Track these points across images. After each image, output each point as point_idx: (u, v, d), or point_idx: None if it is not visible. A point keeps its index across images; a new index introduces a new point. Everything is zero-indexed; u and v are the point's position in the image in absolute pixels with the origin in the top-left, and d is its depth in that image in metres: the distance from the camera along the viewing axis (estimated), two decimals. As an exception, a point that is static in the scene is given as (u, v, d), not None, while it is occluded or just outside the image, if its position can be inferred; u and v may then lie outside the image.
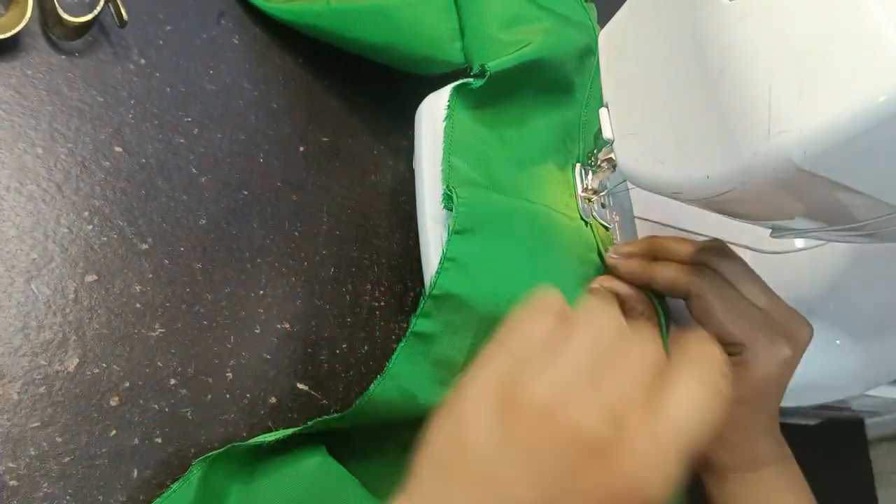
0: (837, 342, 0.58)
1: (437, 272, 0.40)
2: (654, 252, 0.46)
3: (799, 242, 0.57)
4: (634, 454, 0.28)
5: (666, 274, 0.44)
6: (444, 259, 0.40)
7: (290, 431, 0.39)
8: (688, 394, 0.30)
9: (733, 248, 0.53)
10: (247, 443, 0.39)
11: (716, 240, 0.46)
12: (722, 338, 0.42)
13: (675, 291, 0.44)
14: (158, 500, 0.37)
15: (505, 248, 0.42)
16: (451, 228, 0.41)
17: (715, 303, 0.42)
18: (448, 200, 0.42)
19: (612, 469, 0.28)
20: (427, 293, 0.40)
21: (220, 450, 0.38)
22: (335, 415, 0.40)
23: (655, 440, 0.29)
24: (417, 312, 0.40)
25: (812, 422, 0.75)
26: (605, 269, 0.47)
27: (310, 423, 0.40)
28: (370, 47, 0.51)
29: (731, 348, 0.42)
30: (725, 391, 0.30)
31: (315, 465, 0.40)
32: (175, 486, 0.37)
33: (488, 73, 0.47)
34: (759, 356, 0.42)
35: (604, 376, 0.30)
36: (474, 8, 0.51)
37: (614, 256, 0.46)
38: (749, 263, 0.44)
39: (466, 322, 0.40)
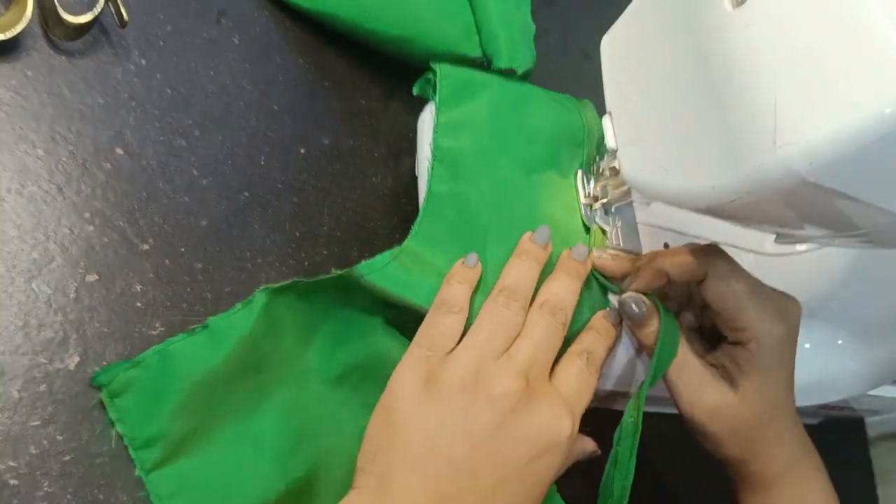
0: (839, 342, 0.57)
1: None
2: (638, 265, 0.46)
3: (801, 245, 0.57)
4: (545, 399, 0.36)
5: (679, 257, 0.43)
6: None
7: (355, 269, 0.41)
8: (574, 367, 0.40)
9: (736, 250, 0.53)
10: (310, 279, 0.41)
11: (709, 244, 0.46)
12: (733, 321, 0.42)
13: (690, 274, 0.43)
14: (220, 315, 0.39)
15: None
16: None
17: (726, 284, 0.42)
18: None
19: (532, 415, 0.36)
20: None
21: (286, 283, 0.40)
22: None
23: (556, 391, 0.38)
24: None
25: (813, 421, 0.75)
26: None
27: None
28: (387, 39, 0.51)
29: (739, 334, 0.42)
30: (595, 369, 0.41)
31: (374, 324, 0.43)
32: (238, 306, 0.40)
33: (517, 72, 0.48)
34: (764, 338, 0.42)
35: (510, 352, 0.38)
36: (499, 6, 0.52)
37: (600, 255, 0.46)
38: (752, 265, 0.44)
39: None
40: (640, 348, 0.47)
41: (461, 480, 0.34)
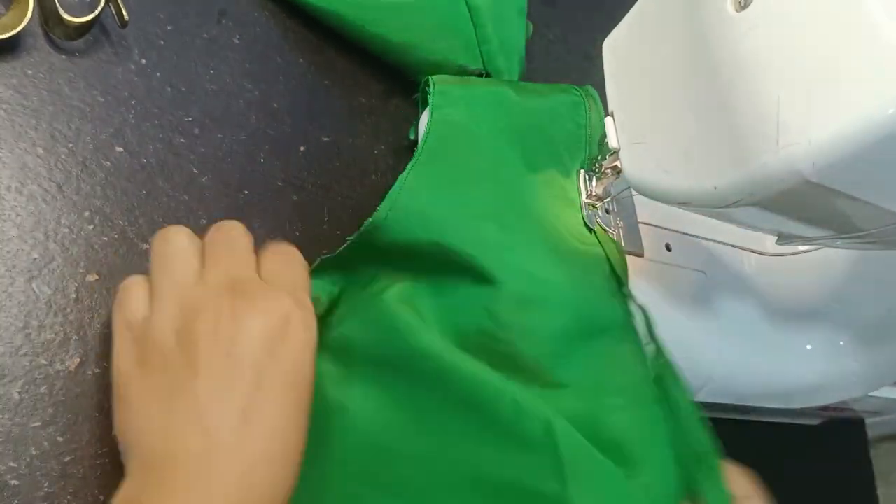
0: (841, 343, 0.57)
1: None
2: None
3: (803, 245, 0.57)
4: (257, 295, 0.34)
5: None
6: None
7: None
8: (274, 258, 0.38)
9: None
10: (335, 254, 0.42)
11: None
12: None
13: None
14: None
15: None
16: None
17: None
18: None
19: (251, 315, 0.33)
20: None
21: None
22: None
23: (267, 285, 0.36)
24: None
25: (814, 422, 0.75)
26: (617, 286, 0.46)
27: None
28: (389, 45, 0.51)
29: None
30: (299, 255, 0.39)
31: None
32: None
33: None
34: None
35: (205, 273, 0.35)
36: (508, 21, 0.53)
37: None
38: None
39: None
40: None
41: (216, 407, 0.32)
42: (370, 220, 0.42)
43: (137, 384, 0.34)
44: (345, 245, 0.43)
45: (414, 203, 0.43)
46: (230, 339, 0.33)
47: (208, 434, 0.31)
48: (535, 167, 0.48)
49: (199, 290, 0.34)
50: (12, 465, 0.35)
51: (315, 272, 0.42)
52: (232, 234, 0.38)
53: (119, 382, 0.35)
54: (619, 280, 0.46)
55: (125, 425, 0.34)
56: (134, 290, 0.36)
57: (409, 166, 0.45)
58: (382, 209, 0.42)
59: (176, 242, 0.36)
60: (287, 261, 0.38)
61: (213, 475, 0.31)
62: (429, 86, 0.48)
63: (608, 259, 0.46)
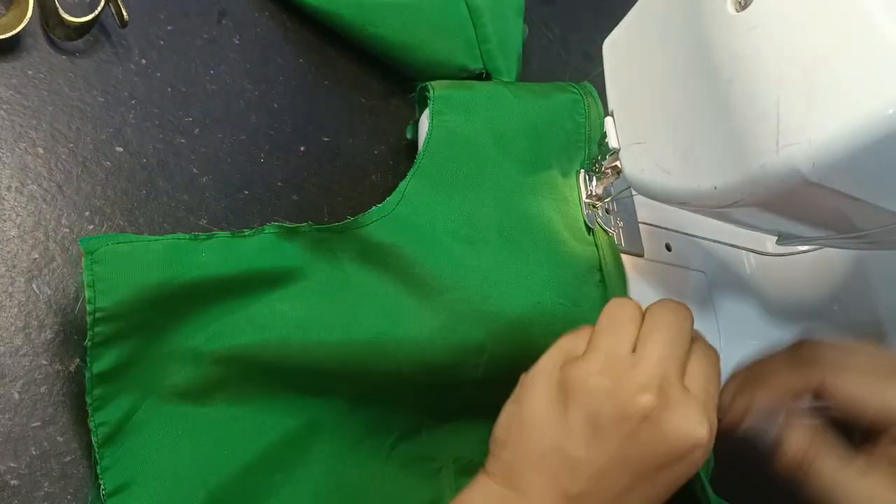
0: (841, 344, 0.57)
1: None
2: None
3: (803, 245, 0.57)
4: (678, 409, 0.34)
5: (774, 384, 0.40)
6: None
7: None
8: (701, 356, 0.37)
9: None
10: (319, 225, 0.42)
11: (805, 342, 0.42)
12: (873, 412, 0.37)
13: (792, 396, 0.40)
14: (228, 233, 0.39)
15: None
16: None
17: (856, 381, 0.38)
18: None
19: (664, 428, 0.33)
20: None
21: (297, 224, 0.41)
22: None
23: (691, 396, 0.34)
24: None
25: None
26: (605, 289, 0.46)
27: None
28: (390, 44, 0.51)
29: (882, 421, 0.37)
30: (717, 355, 0.38)
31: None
32: (248, 231, 0.40)
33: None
34: None
35: (639, 350, 0.36)
36: (507, 21, 0.53)
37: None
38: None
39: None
40: None
41: (586, 483, 0.34)
42: (358, 217, 0.42)
43: (546, 403, 0.36)
44: (319, 225, 0.42)
45: (407, 212, 0.43)
46: (632, 437, 0.34)
47: (568, 500, 0.34)
48: (534, 169, 0.48)
49: (629, 365, 0.35)
50: (12, 464, 0.35)
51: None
52: (677, 318, 0.37)
53: (530, 390, 0.36)
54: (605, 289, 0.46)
55: (509, 424, 0.36)
56: (582, 333, 0.38)
57: (409, 173, 0.45)
58: (376, 212, 0.42)
59: (628, 311, 0.37)
60: (712, 367, 0.37)
61: None
62: (428, 91, 0.48)
63: (601, 268, 0.46)
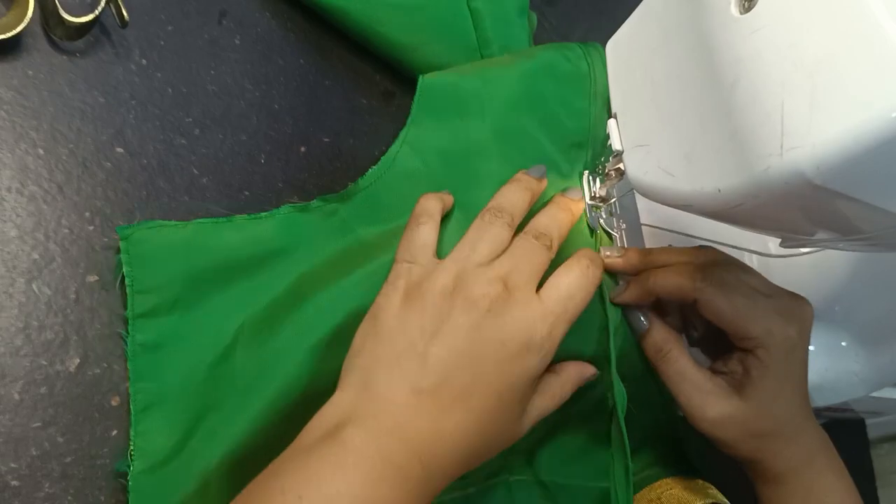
0: (843, 344, 0.57)
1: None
2: (647, 263, 0.46)
3: (806, 247, 0.57)
4: (520, 304, 0.37)
5: (669, 279, 0.44)
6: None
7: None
8: (563, 272, 0.39)
9: (740, 252, 0.53)
10: (325, 197, 0.46)
11: (707, 247, 0.46)
12: (736, 333, 0.42)
13: (680, 295, 0.44)
14: (244, 216, 0.43)
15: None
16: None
17: (719, 297, 0.42)
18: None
19: (505, 317, 0.36)
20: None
21: (307, 203, 0.45)
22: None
23: (537, 297, 0.37)
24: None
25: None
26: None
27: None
28: (391, 44, 0.51)
29: (746, 342, 0.42)
30: (594, 276, 0.40)
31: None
32: (263, 214, 0.44)
33: None
34: (772, 344, 0.42)
35: (493, 263, 0.38)
36: (509, 23, 0.53)
37: (609, 254, 0.46)
38: (756, 267, 0.44)
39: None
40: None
41: (437, 377, 0.35)
42: (358, 181, 0.46)
43: (394, 312, 0.37)
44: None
45: (406, 166, 0.46)
46: (477, 328, 0.36)
47: (417, 394, 0.35)
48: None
49: (481, 272, 0.38)
50: (13, 465, 0.35)
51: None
52: (539, 241, 0.40)
53: (381, 302, 0.38)
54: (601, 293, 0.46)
55: (363, 339, 0.38)
56: (426, 227, 0.41)
57: (404, 130, 0.47)
58: (374, 173, 0.46)
59: (498, 228, 0.40)
60: (578, 285, 0.39)
61: (406, 430, 0.34)
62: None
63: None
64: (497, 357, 0.36)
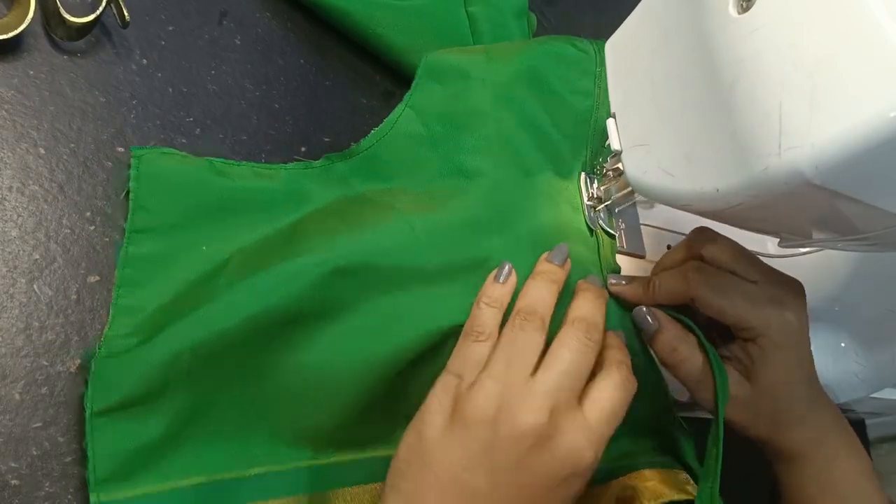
0: (842, 345, 0.57)
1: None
2: (652, 290, 0.46)
3: (805, 247, 0.57)
4: (568, 434, 0.36)
5: (663, 287, 0.44)
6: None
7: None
8: (606, 384, 0.39)
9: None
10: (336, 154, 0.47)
11: (697, 228, 0.46)
12: (737, 325, 0.43)
13: (678, 300, 0.44)
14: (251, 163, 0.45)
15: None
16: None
17: (714, 297, 0.42)
18: None
19: (553, 451, 0.36)
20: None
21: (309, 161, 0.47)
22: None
23: (584, 419, 0.37)
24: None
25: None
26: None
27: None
28: (391, 46, 0.51)
29: (746, 332, 0.43)
30: (633, 385, 0.40)
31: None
32: (273, 166, 0.46)
33: None
34: (771, 332, 0.42)
35: (537, 378, 0.37)
36: (506, 28, 0.54)
37: (614, 282, 0.46)
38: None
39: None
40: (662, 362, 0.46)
41: None
42: (361, 141, 0.47)
43: (437, 435, 0.37)
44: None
45: (407, 128, 0.47)
46: (523, 462, 0.36)
47: None
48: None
49: (526, 391, 0.37)
50: (13, 465, 0.35)
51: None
52: (588, 337, 0.39)
53: (426, 419, 0.38)
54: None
55: (408, 458, 0.37)
56: (483, 346, 0.39)
57: (406, 96, 0.48)
58: (376, 134, 0.47)
59: (530, 335, 0.39)
60: (617, 391, 0.39)
61: None
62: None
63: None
64: (544, 485, 0.36)
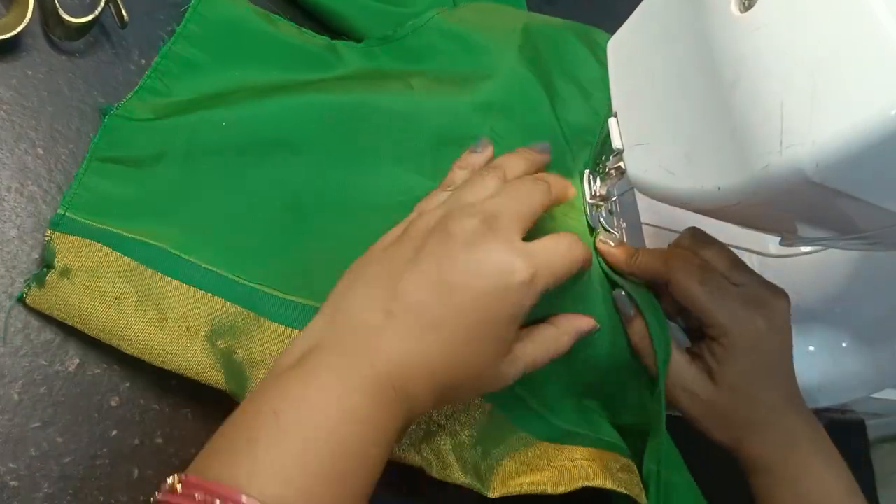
0: (843, 345, 0.57)
1: None
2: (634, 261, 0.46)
3: (805, 247, 0.57)
4: (500, 241, 0.36)
5: (644, 260, 0.44)
6: None
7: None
8: (553, 236, 0.38)
9: (740, 252, 0.53)
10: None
11: (692, 228, 0.46)
12: (705, 320, 0.43)
13: (655, 276, 0.44)
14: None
15: None
16: None
17: (689, 282, 0.42)
18: None
19: (483, 255, 0.35)
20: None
21: None
22: None
23: (522, 243, 0.36)
24: None
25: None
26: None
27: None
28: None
29: (713, 330, 0.43)
30: (579, 249, 0.39)
31: None
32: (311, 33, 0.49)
33: None
34: (736, 333, 0.42)
35: (486, 201, 0.38)
36: None
37: (602, 240, 0.46)
38: (755, 267, 0.44)
39: None
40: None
41: (406, 301, 0.35)
42: (397, 29, 0.50)
43: (379, 248, 0.38)
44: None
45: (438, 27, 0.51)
46: (452, 256, 0.35)
47: (387, 316, 0.34)
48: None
49: (464, 209, 0.37)
50: (11, 465, 0.35)
51: None
52: (534, 182, 0.40)
53: (375, 243, 0.39)
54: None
55: (346, 272, 0.38)
56: (441, 195, 0.41)
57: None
58: (410, 26, 0.50)
59: (488, 181, 0.39)
60: (560, 252, 0.38)
61: (375, 353, 0.34)
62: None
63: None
64: (473, 289, 0.35)
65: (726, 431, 0.44)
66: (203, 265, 0.40)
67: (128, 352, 0.37)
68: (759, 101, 0.29)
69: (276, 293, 0.41)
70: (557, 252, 0.38)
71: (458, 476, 0.41)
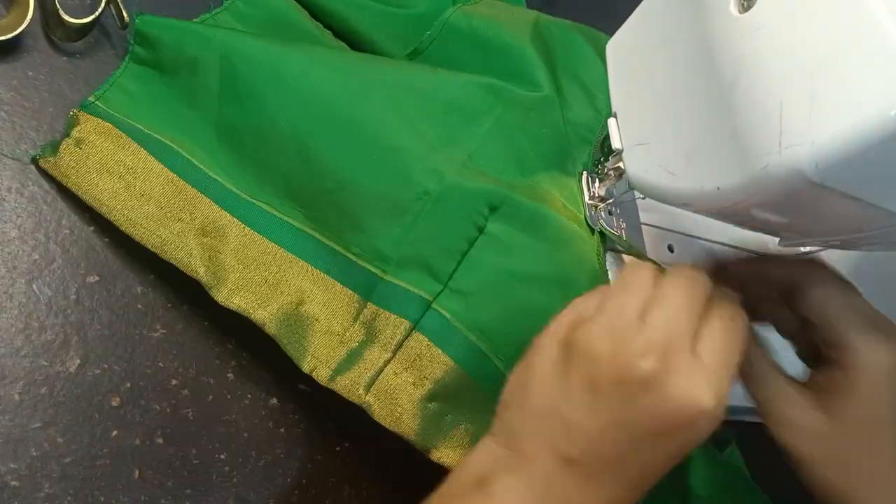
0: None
1: None
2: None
3: (804, 247, 0.57)
4: (681, 376, 0.33)
5: (780, 267, 0.40)
6: None
7: None
8: (719, 324, 0.35)
9: (739, 251, 0.53)
10: None
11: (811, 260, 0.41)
12: (831, 336, 0.37)
13: (788, 283, 0.39)
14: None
15: None
16: None
17: (833, 296, 0.38)
18: None
19: (664, 395, 0.33)
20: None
21: None
22: None
23: (698, 364, 0.33)
24: None
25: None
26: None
27: None
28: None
29: (836, 352, 0.37)
30: (745, 322, 0.36)
31: None
32: None
33: None
34: (866, 359, 0.36)
35: (649, 313, 0.34)
36: None
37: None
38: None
39: None
40: None
41: (583, 446, 0.34)
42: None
43: (547, 369, 0.36)
44: None
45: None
46: (632, 399, 0.33)
47: (566, 462, 0.34)
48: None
49: (634, 330, 0.34)
50: (12, 465, 0.35)
51: None
52: (689, 284, 0.36)
53: (538, 351, 0.36)
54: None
55: (515, 388, 0.37)
56: (596, 295, 0.37)
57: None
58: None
59: (642, 275, 0.36)
60: (730, 334, 0.35)
61: (556, 495, 0.34)
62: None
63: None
64: (651, 430, 0.33)
65: (833, 470, 0.37)
66: (215, 176, 0.43)
67: (121, 227, 0.39)
68: (759, 102, 0.29)
69: (275, 212, 0.43)
70: (733, 355, 0.35)
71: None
